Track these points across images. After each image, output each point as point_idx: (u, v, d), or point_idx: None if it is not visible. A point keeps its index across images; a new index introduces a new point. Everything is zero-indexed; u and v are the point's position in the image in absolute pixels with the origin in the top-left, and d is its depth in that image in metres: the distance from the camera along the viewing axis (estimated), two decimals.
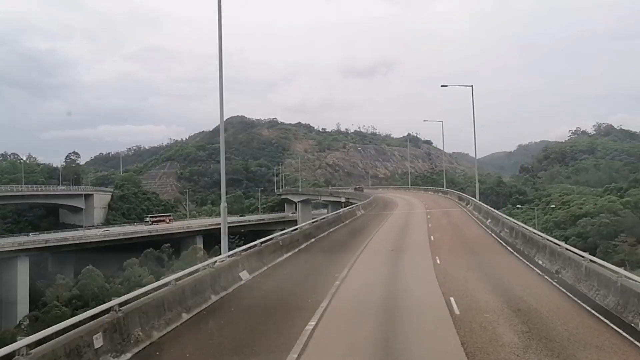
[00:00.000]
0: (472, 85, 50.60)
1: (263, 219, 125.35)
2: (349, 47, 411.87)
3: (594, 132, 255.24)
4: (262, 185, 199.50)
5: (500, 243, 28.91)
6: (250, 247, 21.29)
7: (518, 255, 24.39)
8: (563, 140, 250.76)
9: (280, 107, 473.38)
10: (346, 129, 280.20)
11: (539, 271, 20.49)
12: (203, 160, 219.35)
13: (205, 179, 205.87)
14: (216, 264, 17.74)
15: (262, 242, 22.29)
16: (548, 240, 22.27)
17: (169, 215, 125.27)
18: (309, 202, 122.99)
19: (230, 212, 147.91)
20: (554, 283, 18.22)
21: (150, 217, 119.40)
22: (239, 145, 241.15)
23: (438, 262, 22.77)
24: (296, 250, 26.49)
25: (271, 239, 23.66)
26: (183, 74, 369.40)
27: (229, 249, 21.35)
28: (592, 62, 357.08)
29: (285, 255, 24.29)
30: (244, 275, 18.87)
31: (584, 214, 79.97)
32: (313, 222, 32.29)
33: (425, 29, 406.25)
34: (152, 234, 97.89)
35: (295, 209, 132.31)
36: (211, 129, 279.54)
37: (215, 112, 22.22)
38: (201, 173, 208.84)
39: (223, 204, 22.52)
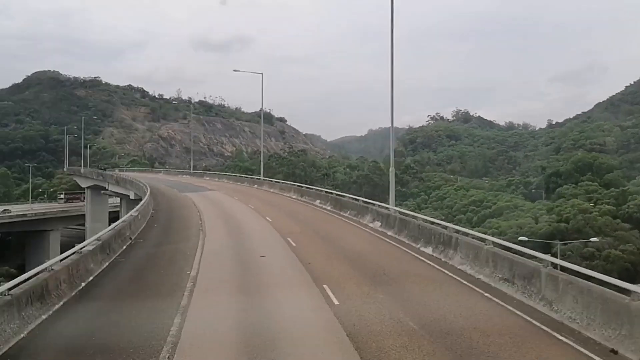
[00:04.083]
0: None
1: (25, 215, 78.16)
2: (202, 20, 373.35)
3: (453, 119, 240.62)
4: (66, 160, 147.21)
5: None
6: None
7: None
8: (415, 126, 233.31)
9: (126, 76, 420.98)
10: (189, 98, 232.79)
11: None
12: None
13: None
14: None
15: None
16: None
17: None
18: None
19: None
20: None
21: (65, 193, 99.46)
22: (41, 107, 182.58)
23: None
24: None
25: None
26: (11, 30, 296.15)
27: None
28: (428, 57, 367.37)
29: None
30: None
31: None
32: None
33: (281, 11, 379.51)
34: None
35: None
36: (9, 86, 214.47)
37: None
38: None
39: None
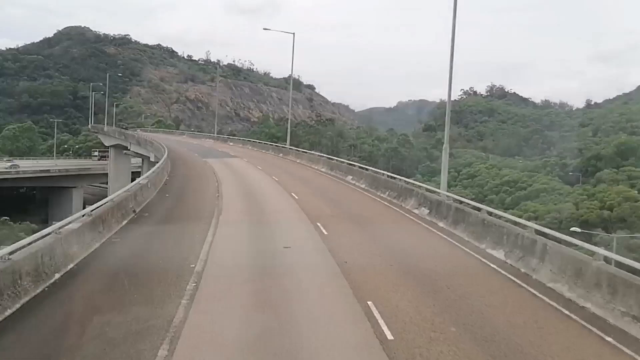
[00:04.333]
0: (293, 33, 42.66)
1: (48, 170, 77.25)
2: None
3: (487, 94, 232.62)
4: (91, 117, 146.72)
5: None
6: None
7: None
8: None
9: (157, 37, 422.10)
10: (218, 60, 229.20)
11: None
12: (10, 75, 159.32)
13: (9, 99, 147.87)
14: None
15: None
16: None
17: None
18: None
19: (8, 153, 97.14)
20: None
21: (99, 151, 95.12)
22: (71, 62, 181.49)
23: None
24: None
25: None
26: None
27: None
28: (462, 29, 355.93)
29: None
30: None
31: None
32: None
33: None
34: None
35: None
36: (39, 39, 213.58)
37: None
38: (3, 91, 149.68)
39: None
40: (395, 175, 24.96)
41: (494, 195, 70.31)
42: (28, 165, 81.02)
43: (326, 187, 26.78)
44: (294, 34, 43.65)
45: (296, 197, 22.20)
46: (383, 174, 25.58)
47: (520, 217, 35.08)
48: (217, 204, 20.27)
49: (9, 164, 78.67)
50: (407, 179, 23.32)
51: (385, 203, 21.75)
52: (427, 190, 20.24)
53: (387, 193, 23.02)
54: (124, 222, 15.58)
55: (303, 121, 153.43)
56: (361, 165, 31.01)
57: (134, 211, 17.13)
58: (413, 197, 20.29)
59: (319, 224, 16.40)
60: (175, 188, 24.30)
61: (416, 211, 19.15)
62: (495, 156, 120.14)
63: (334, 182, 28.96)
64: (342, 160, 35.14)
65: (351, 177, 28.96)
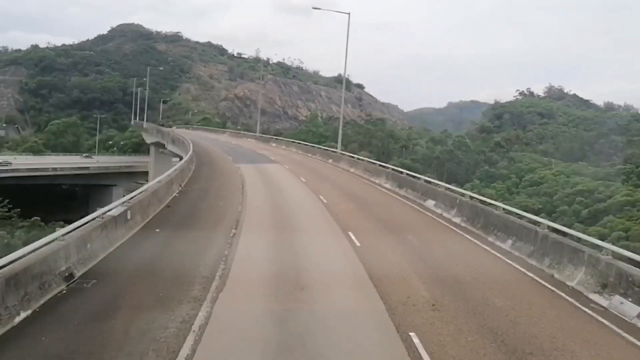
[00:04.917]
0: (349, 13, 39.56)
1: (87, 167, 75.25)
2: None
3: (545, 95, 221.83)
4: (133, 113, 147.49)
5: None
6: None
7: None
8: (501, 101, 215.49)
9: (209, 37, 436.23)
10: (267, 58, 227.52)
11: None
12: (63, 70, 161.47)
13: (60, 95, 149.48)
14: None
15: None
16: None
17: None
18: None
19: (52, 148, 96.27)
20: None
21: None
22: (122, 58, 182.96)
23: None
24: None
25: None
26: None
27: None
28: (515, 29, 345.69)
29: None
30: None
31: None
32: None
33: None
34: None
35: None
36: (94, 37, 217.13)
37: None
38: (55, 86, 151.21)
39: None
40: (520, 212, 16.62)
41: (565, 206, 63.05)
42: (65, 162, 79.03)
43: (400, 220, 19.13)
44: (349, 14, 39.49)
45: (357, 244, 14.65)
46: (497, 206, 17.07)
47: (604, 239, 28.70)
48: (226, 255, 12.87)
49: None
50: (553, 223, 14.64)
51: (516, 265, 13.40)
52: (609, 251, 11.40)
53: (511, 243, 14.91)
54: (25, 314, 8.40)
55: (352, 120, 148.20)
56: (449, 186, 22.68)
57: (70, 276, 10.08)
58: (578, 264, 11.86)
59: (409, 324, 8.98)
60: (179, 214, 17.70)
61: (592, 297, 10.93)
62: (557, 161, 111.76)
63: (408, 209, 21.58)
64: (416, 175, 25.98)
65: (433, 202, 21.48)
